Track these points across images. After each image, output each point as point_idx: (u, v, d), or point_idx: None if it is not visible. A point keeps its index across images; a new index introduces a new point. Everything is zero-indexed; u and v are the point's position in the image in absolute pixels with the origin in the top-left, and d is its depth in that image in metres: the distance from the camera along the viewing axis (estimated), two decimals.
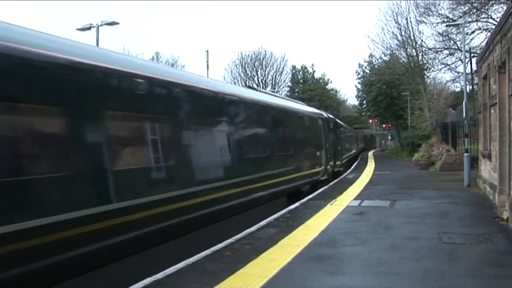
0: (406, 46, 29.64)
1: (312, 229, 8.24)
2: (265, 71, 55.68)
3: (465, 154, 15.44)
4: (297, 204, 11.63)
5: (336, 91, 74.25)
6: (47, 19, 74.66)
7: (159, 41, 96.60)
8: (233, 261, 6.18)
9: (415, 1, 27.85)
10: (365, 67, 56.29)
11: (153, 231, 6.04)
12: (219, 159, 8.64)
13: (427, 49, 28.80)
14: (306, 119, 15.89)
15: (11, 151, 4.38)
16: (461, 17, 24.01)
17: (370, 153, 49.29)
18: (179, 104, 7.34)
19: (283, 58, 57.69)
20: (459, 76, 27.68)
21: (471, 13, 24.17)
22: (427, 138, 28.55)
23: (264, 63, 55.49)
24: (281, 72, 56.91)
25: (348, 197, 12.68)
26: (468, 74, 23.70)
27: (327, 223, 8.77)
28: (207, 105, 8.35)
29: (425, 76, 31.10)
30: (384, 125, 64.93)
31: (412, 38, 29.01)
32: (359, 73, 59.48)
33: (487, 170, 12.41)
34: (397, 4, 38.69)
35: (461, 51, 22.81)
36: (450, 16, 25.18)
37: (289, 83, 62.50)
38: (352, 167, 28.26)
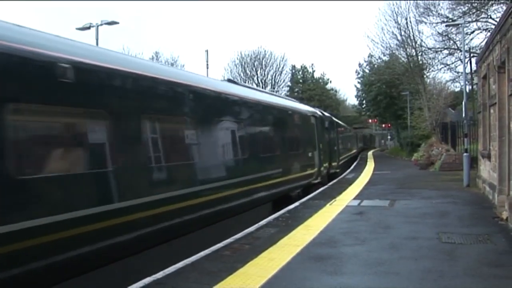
0: (406, 46, 29.65)
1: (311, 229, 8.24)
2: (264, 71, 55.72)
3: (465, 154, 15.45)
4: (296, 204, 11.63)
5: (335, 91, 74.35)
6: (47, 19, 74.65)
7: (158, 41, 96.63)
8: (232, 260, 6.18)
9: (415, 1, 27.87)
10: (365, 67, 56.29)
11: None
12: (180, 162, 7.19)
13: (426, 49, 28.81)
14: (296, 117, 14.60)
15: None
16: (460, 17, 24.00)
17: (370, 153, 49.30)
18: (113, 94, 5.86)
19: (283, 58, 57.90)
20: (459, 76, 27.67)
21: (470, 13, 24.15)
22: (426, 138, 28.56)
23: (263, 63, 55.52)
24: (281, 72, 57.01)
25: (347, 197, 12.68)
26: (467, 74, 23.66)
27: (326, 223, 8.77)
28: (167, 99, 7.10)
29: (425, 76, 31.12)
30: (383, 125, 64.94)
31: (412, 38, 29.04)
32: (358, 73, 59.52)
33: (486, 170, 12.41)
34: (397, 4, 38.68)
35: (460, 51, 22.80)
36: (450, 16, 25.17)
37: (289, 83, 62.52)
38: (352, 167, 28.27)
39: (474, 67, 23.51)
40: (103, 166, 5.40)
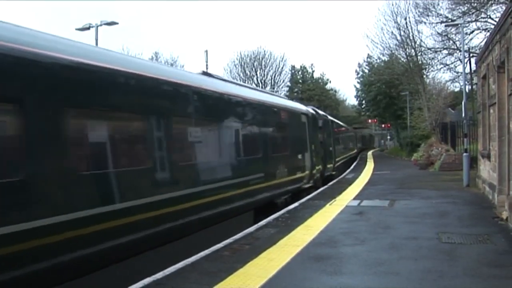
0: (405, 46, 29.64)
1: (311, 229, 8.24)
2: (264, 71, 55.72)
3: (464, 154, 15.45)
4: (296, 204, 11.62)
5: (335, 91, 74.34)
6: (46, 19, 74.66)
7: (158, 41, 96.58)
8: (232, 261, 6.18)
9: (414, 1, 27.87)
10: (365, 67, 56.36)
11: None
12: (128, 168, 6.02)
13: (426, 49, 28.79)
14: (284, 115, 13.16)
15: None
16: (460, 17, 24.00)
17: (369, 153, 49.31)
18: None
19: (282, 58, 57.73)
20: (458, 76, 27.67)
21: (470, 13, 24.15)
22: (426, 138, 28.57)
23: (263, 63, 55.52)
24: (280, 72, 57.01)
25: (347, 197, 12.67)
26: (467, 74, 23.66)
27: (326, 223, 8.76)
28: (126, 94, 6.14)
29: (424, 76, 31.12)
30: (383, 125, 64.98)
31: (411, 38, 29.02)
32: (358, 73, 59.57)
33: (486, 170, 12.41)
34: (396, 4, 38.68)
35: (460, 51, 22.80)
36: (449, 16, 25.16)
37: (288, 83, 62.53)
38: (351, 167, 28.27)
39: (473, 67, 23.54)
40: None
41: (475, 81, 22.42)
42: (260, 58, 55.31)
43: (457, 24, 21.87)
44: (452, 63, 28.16)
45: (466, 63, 23.64)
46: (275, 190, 11.43)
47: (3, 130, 4.57)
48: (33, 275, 4.48)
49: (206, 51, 31.51)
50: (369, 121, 67.49)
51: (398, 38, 29.68)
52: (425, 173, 20.80)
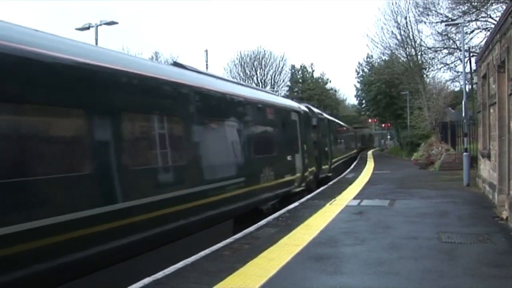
0: (406, 46, 29.65)
1: (311, 228, 8.23)
2: (264, 71, 55.73)
3: (465, 153, 15.45)
4: (296, 203, 11.62)
5: (335, 91, 74.41)
6: (46, 19, 74.63)
7: (158, 41, 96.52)
8: (232, 260, 6.17)
9: (414, 1, 27.85)
10: (365, 67, 56.40)
11: None
12: (74, 174, 5.13)
13: (426, 48, 28.80)
14: (270, 111, 11.82)
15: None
16: (460, 16, 23.99)
17: (369, 153, 49.34)
18: None
19: (282, 58, 57.75)
20: (459, 76, 27.64)
21: (470, 12, 24.13)
22: (426, 137, 28.58)
23: (263, 63, 55.53)
24: (280, 72, 57.02)
25: (347, 197, 12.67)
26: (467, 73, 23.62)
27: (326, 223, 8.76)
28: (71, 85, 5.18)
29: (425, 76, 31.14)
30: (383, 125, 65.01)
31: (411, 37, 29.04)
32: (358, 73, 59.65)
33: (486, 169, 12.41)
34: (396, 3, 38.71)
35: (460, 50, 22.78)
36: (449, 15, 25.15)
37: (288, 83, 62.58)
38: (352, 166, 28.26)
39: (473, 66, 23.50)
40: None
41: (475, 80, 22.40)
42: (260, 58, 55.36)
43: (457, 24, 21.87)
44: (452, 62, 28.17)
45: (466, 62, 23.58)
46: (260, 196, 10.23)
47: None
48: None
49: (206, 51, 31.58)
50: (369, 120, 67.52)
51: (398, 37, 29.72)
52: (425, 173, 20.80)
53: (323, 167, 17.75)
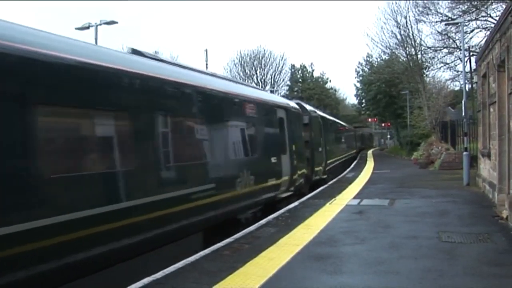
0: (405, 45, 29.64)
1: (311, 228, 8.23)
2: (264, 70, 55.70)
3: (465, 152, 15.45)
4: (296, 203, 11.62)
5: (335, 90, 74.37)
6: (46, 19, 74.59)
7: (158, 40, 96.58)
8: (232, 260, 6.17)
9: (414, 0, 27.84)
10: (365, 66, 56.40)
11: None
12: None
13: (426, 47, 28.77)
14: (249, 107, 10.19)
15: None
16: (460, 15, 23.96)
17: (369, 152, 49.36)
18: None
19: (282, 57, 57.69)
20: (458, 75, 27.59)
21: (470, 11, 24.10)
22: (426, 137, 28.58)
23: (263, 62, 55.48)
24: (280, 71, 57.01)
25: (347, 196, 12.67)
26: (467, 72, 23.59)
27: (326, 222, 8.76)
28: None
29: (424, 75, 31.12)
30: (383, 124, 65.04)
31: (411, 36, 29.02)
32: (358, 72, 59.63)
33: (486, 168, 12.40)
34: (396, 3, 38.72)
35: (460, 49, 22.76)
36: (449, 15, 25.13)
37: (288, 82, 62.59)
38: (352, 166, 28.26)
39: (473, 65, 23.48)
40: None
41: (475, 80, 22.35)
42: (260, 57, 55.33)
43: (457, 23, 21.85)
44: (452, 61, 28.13)
45: (466, 62, 23.59)
46: (236, 204, 8.89)
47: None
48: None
49: (206, 50, 31.71)
50: (369, 120, 67.53)
51: (398, 37, 29.71)
52: (425, 172, 20.80)
53: (316, 169, 16.48)
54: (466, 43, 23.73)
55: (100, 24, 21.11)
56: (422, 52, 29.47)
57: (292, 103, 14.88)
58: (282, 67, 56.96)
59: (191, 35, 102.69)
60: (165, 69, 7.58)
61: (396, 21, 29.43)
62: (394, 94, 41.56)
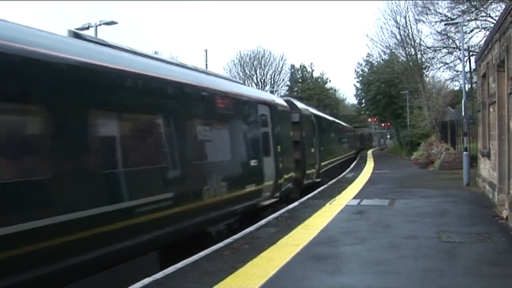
0: (405, 45, 29.66)
1: (311, 228, 8.23)
2: (264, 71, 55.72)
3: (464, 152, 15.45)
4: (296, 203, 11.62)
5: (335, 90, 74.40)
6: (46, 19, 74.58)
7: (158, 40, 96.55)
8: (232, 260, 6.17)
9: (414, 0, 27.85)
10: (364, 66, 56.38)
11: None
12: None
13: (426, 47, 28.78)
14: (222, 103, 8.86)
15: None
16: (459, 15, 23.97)
17: (369, 152, 49.38)
18: None
19: (282, 57, 57.75)
20: (458, 75, 27.60)
21: (469, 11, 24.11)
22: (426, 137, 28.59)
23: (263, 62, 55.51)
24: (280, 71, 57.04)
25: (347, 196, 12.67)
26: (467, 72, 23.61)
27: (326, 222, 8.76)
28: None
29: (424, 75, 31.12)
30: (383, 124, 65.05)
31: (411, 36, 29.04)
32: (358, 72, 59.60)
33: (486, 168, 12.41)
34: (395, 3, 38.75)
35: (460, 49, 22.76)
36: (449, 15, 25.14)
37: (288, 82, 62.61)
38: (352, 166, 28.26)
39: (473, 65, 23.49)
40: None
41: (474, 79, 22.41)
42: (260, 57, 55.35)
43: (457, 23, 21.85)
44: (451, 61, 28.13)
45: (466, 61, 23.59)
46: (203, 215, 7.60)
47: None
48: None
49: (206, 51, 31.71)
50: (369, 120, 67.54)
51: (398, 37, 29.75)
52: (425, 172, 20.80)
53: (308, 171, 15.25)
54: (466, 43, 23.72)
55: (100, 25, 21.11)
56: (422, 52, 29.50)
57: (279, 100, 13.62)
58: (281, 67, 57.09)
59: (191, 35, 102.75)
60: (132, 58, 6.57)
61: (396, 21, 29.48)
62: (394, 94, 41.57)
